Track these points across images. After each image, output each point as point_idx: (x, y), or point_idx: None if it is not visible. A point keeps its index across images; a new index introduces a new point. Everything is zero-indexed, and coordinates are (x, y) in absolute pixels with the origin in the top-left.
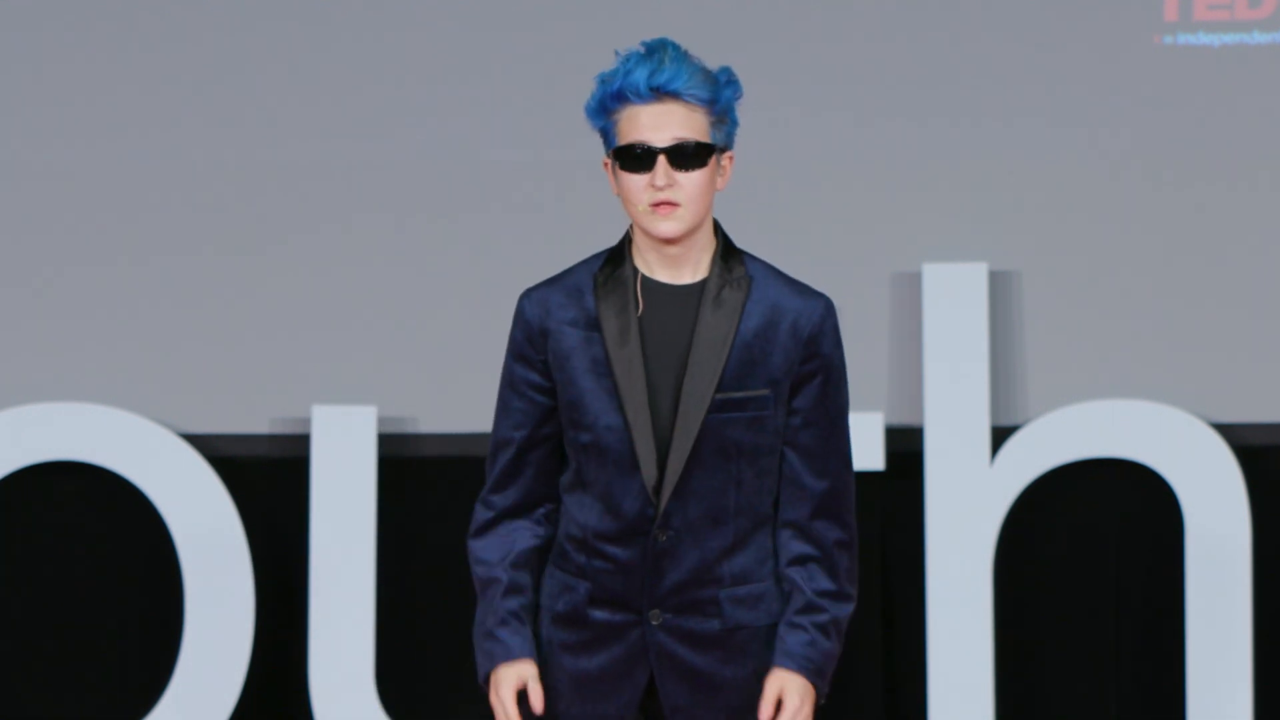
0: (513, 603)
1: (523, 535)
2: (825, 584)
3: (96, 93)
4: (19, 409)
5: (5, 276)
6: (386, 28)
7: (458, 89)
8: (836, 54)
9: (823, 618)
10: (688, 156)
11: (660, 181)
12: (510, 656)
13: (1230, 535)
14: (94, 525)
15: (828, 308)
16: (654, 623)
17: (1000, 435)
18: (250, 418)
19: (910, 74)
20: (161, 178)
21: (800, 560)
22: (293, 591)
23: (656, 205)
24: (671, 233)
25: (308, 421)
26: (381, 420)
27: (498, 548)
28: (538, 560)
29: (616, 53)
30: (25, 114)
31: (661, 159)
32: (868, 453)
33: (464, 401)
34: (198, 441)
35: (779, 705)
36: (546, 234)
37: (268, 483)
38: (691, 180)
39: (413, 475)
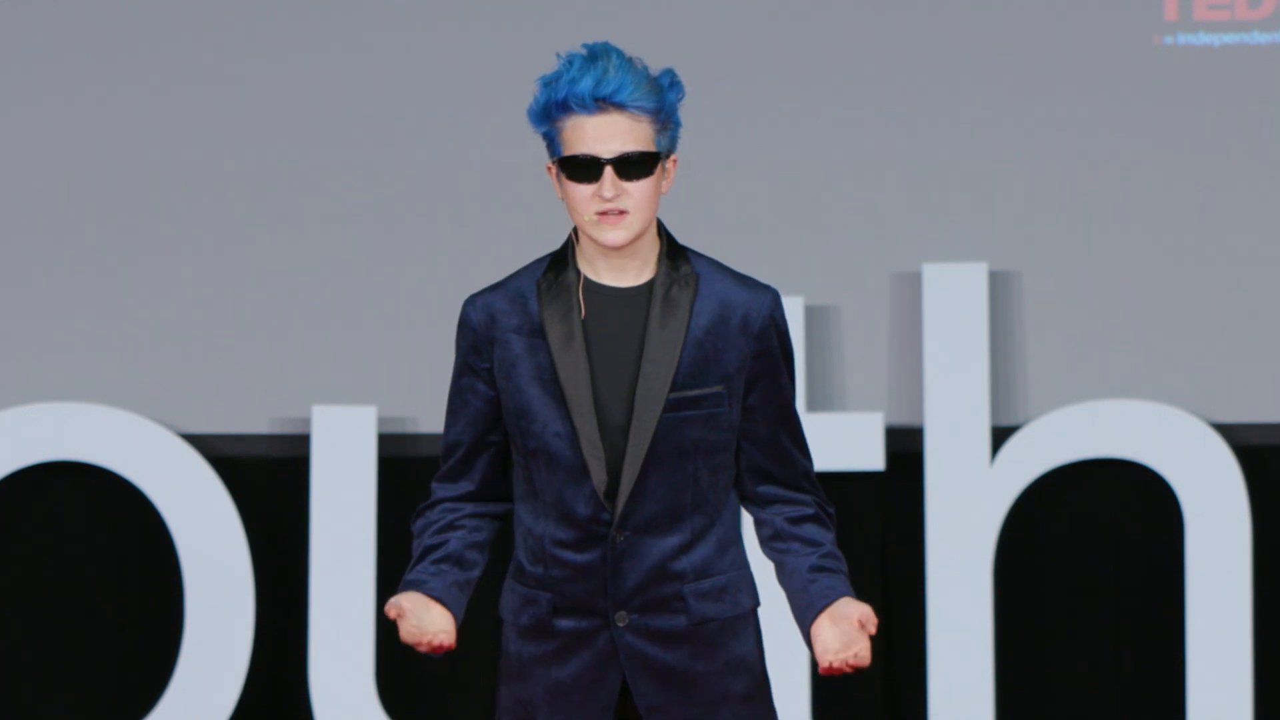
0: (427, 560)
1: (459, 514)
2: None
3: (96, 93)
4: (19, 409)
5: (6, 276)
6: (388, 29)
7: (458, 90)
8: (837, 54)
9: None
10: (634, 166)
11: (608, 193)
12: (406, 589)
13: (1230, 535)
14: (94, 525)
15: (775, 299)
16: (620, 624)
17: (1000, 435)
18: (250, 418)
19: (910, 74)
20: (161, 178)
21: (794, 520)
22: (293, 591)
23: (604, 214)
24: (620, 241)
25: (308, 421)
26: (381, 420)
27: (433, 523)
28: (470, 536)
29: (558, 55)
30: (25, 114)
31: (608, 170)
32: (868, 453)
33: None
34: (198, 441)
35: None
36: (546, 234)
37: (268, 483)
38: (639, 188)
39: (413, 475)
